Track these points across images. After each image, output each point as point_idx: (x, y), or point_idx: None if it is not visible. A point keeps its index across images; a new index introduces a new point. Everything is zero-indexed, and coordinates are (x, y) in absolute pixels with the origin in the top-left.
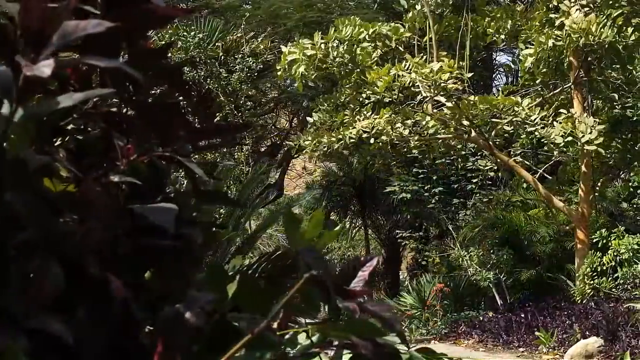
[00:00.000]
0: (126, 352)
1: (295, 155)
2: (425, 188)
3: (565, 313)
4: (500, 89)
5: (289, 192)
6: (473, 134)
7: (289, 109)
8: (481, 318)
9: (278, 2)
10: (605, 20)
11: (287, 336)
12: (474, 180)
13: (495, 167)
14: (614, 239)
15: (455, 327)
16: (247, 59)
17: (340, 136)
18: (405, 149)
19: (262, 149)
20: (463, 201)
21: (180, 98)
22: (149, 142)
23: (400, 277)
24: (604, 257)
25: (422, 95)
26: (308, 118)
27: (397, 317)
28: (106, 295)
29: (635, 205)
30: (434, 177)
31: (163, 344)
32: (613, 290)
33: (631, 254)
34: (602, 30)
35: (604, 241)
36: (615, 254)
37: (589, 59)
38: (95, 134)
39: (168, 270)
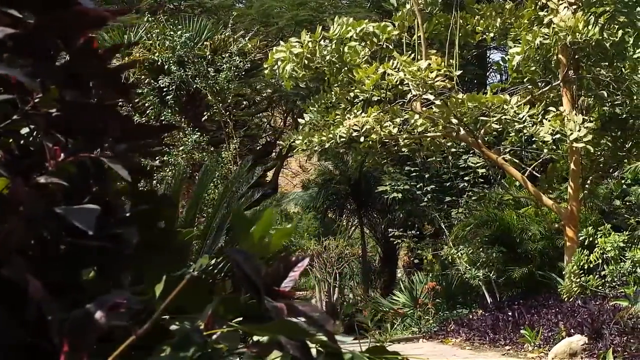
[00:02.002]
0: (42, 352)
1: (290, 155)
2: (418, 186)
3: (553, 311)
4: (490, 86)
5: (289, 190)
6: (462, 132)
7: (282, 108)
8: (471, 316)
9: (270, 1)
10: (592, 18)
11: (214, 336)
12: (466, 179)
13: (487, 165)
14: (600, 237)
15: (445, 326)
16: (234, 57)
17: (331, 135)
18: (395, 148)
19: (258, 148)
20: (455, 199)
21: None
22: (80, 143)
23: (399, 275)
24: (591, 255)
25: (411, 93)
26: (299, 119)
27: (327, 317)
28: (22, 295)
29: (627, 203)
30: (426, 175)
31: (68, 344)
32: (600, 288)
33: (617, 252)
34: (589, 28)
35: (591, 239)
36: (601, 251)
37: (577, 56)
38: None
39: (101, 270)
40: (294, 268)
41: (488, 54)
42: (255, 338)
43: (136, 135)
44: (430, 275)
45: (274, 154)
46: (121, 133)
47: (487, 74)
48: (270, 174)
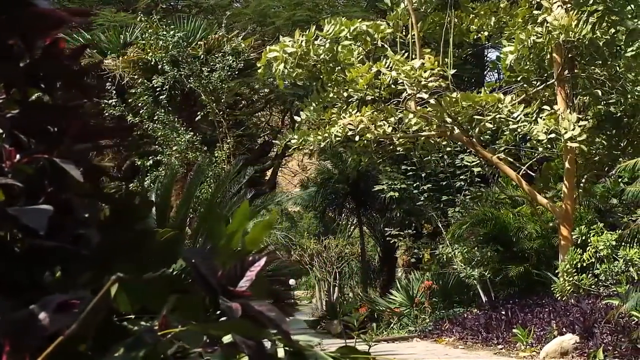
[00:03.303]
0: None
1: (289, 154)
2: (415, 185)
3: (547, 310)
4: (485, 85)
5: (290, 189)
6: (456, 131)
7: (279, 108)
8: (466, 315)
9: (267, 1)
10: (584, 17)
11: (169, 335)
12: (462, 177)
13: (483, 164)
14: (593, 236)
15: (440, 325)
16: (227, 57)
17: (327, 134)
18: (391, 147)
19: (256, 147)
20: (452, 198)
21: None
22: (38, 144)
23: (399, 274)
24: (584, 253)
25: (407, 92)
26: (296, 117)
27: (282, 316)
28: None
29: (624, 202)
30: (423, 175)
31: (10, 344)
32: (593, 287)
33: (609, 251)
34: (583, 26)
35: (583, 238)
36: (594, 250)
37: (570, 55)
38: None
39: (65, 270)
40: (251, 268)
41: (486, 53)
42: (226, 337)
43: (97, 136)
44: (428, 274)
45: (272, 153)
46: (81, 133)
47: (485, 73)
48: (269, 173)
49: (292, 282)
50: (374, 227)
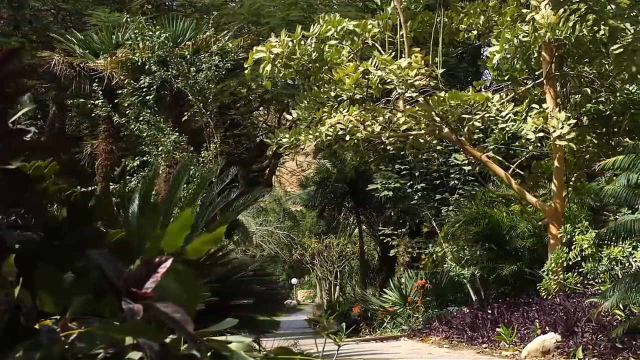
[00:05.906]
0: None
1: (288, 153)
2: (409, 184)
3: (533, 309)
4: (473, 84)
5: (292, 189)
6: (445, 130)
7: (275, 107)
8: (455, 314)
9: (261, 1)
10: (567, 15)
11: (72, 337)
12: (454, 176)
13: (473, 161)
14: (578, 234)
15: (430, 324)
16: (214, 57)
17: (318, 133)
18: (381, 146)
19: (253, 147)
20: (446, 197)
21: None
22: None
23: (400, 273)
24: (571, 252)
25: (396, 91)
26: (287, 115)
27: (187, 318)
28: None
29: (619, 200)
30: (417, 174)
31: None
32: (579, 285)
33: (594, 249)
34: (567, 24)
35: (569, 236)
36: (580, 249)
37: (556, 54)
38: None
39: None
40: (157, 269)
41: (482, 52)
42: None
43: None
44: (422, 273)
45: (269, 152)
46: None
47: (481, 71)
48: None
49: (294, 281)
50: (372, 226)
